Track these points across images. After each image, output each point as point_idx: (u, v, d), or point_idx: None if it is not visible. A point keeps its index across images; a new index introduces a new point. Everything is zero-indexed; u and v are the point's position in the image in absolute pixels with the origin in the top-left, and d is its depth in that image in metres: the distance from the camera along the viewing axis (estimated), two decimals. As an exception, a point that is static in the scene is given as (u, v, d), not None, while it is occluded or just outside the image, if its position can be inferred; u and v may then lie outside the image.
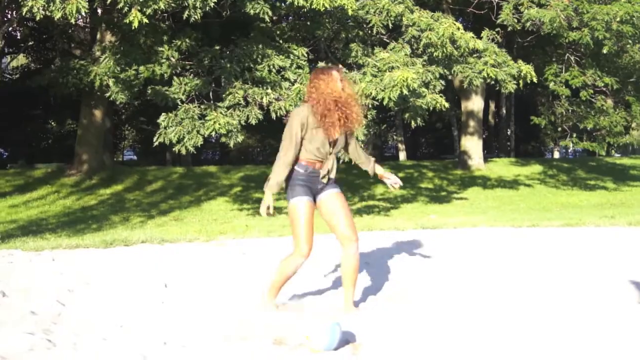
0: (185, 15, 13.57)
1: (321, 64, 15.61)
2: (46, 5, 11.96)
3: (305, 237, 5.82)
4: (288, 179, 5.90)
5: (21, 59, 38.62)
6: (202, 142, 14.92)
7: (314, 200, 5.93)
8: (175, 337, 5.22)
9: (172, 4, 13.15)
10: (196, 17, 13.45)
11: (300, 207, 5.83)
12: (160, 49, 15.35)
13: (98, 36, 22.15)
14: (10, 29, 27.09)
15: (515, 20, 18.13)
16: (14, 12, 23.68)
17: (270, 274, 6.23)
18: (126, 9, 12.71)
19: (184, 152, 14.82)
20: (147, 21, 12.79)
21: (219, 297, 6.60)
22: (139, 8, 12.51)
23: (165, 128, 14.75)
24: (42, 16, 12.17)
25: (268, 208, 5.88)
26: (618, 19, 17.08)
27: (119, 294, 6.61)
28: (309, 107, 5.84)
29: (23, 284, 6.79)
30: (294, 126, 5.81)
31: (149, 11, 12.60)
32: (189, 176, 25.33)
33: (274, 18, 15.92)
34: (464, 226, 12.03)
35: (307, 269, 7.54)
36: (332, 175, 5.92)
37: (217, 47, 15.67)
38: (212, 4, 13.38)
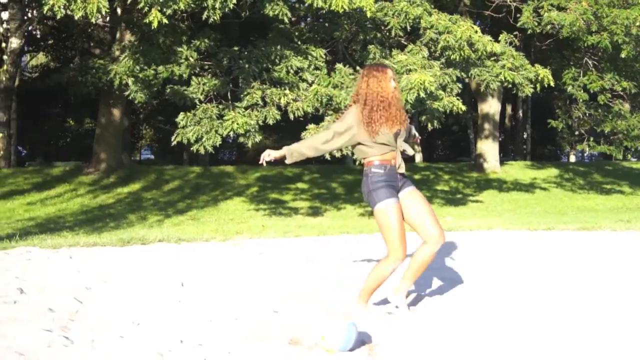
0: (204, 16, 13.62)
1: (339, 65, 15.65)
2: (67, 4, 12.05)
3: (400, 240, 5.67)
4: (366, 184, 5.82)
5: (41, 58, 38.84)
6: (220, 142, 14.97)
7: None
8: (192, 336, 5.26)
9: (192, 5, 13.20)
10: (215, 17, 13.50)
11: (390, 210, 5.67)
12: (179, 49, 15.41)
13: (117, 35, 22.25)
14: (30, 27, 27.29)
15: (535, 23, 18.10)
16: (34, 11, 23.89)
17: (363, 279, 6.09)
18: (146, 9, 12.78)
19: (202, 151, 14.87)
20: (166, 21, 12.85)
21: (235, 297, 6.63)
22: (159, 8, 12.58)
23: (183, 127, 14.81)
24: (62, 15, 12.25)
25: (269, 155, 5.84)
26: (638, 24, 17.03)
27: (136, 292, 6.65)
28: (357, 107, 5.78)
29: (40, 281, 6.85)
30: (344, 122, 5.79)
31: (168, 11, 12.67)
32: (205, 176, 25.39)
33: (293, 19, 15.95)
34: (479, 229, 12.03)
35: (323, 269, 7.59)
36: (402, 170, 5.79)
37: (236, 48, 15.72)
38: (231, 5, 13.43)
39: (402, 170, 5.79)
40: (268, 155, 5.85)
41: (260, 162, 5.92)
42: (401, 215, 5.72)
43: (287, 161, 5.91)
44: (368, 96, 5.73)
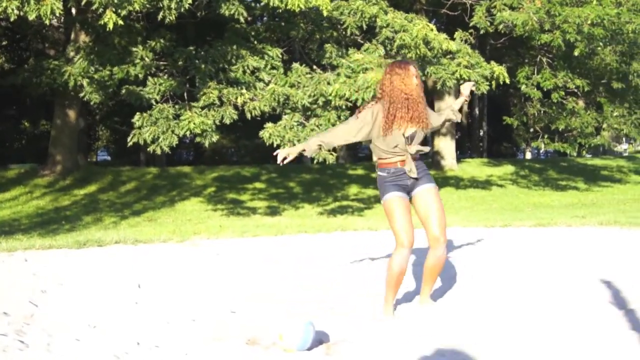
0: (160, 17, 13.56)
1: (295, 65, 15.66)
2: (20, 6, 11.94)
3: (403, 228, 5.70)
4: (377, 182, 5.91)
5: (-5, 59, 38.40)
6: (177, 142, 14.91)
7: (409, 196, 5.87)
8: (149, 338, 5.24)
9: (147, 5, 13.13)
10: (171, 18, 13.44)
11: (392, 202, 5.75)
12: (135, 49, 15.32)
13: (72, 36, 22.05)
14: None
15: (488, 23, 18.23)
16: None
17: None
18: (101, 10, 12.69)
19: (158, 152, 14.80)
20: (122, 23, 12.77)
21: (193, 298, 6.62)
22: (113, 9, 12.49)
23: (139, 128, 14.72)
24: (16, 17, 12.14)
25: (288, 155, 5.89)
26: (589, 22, 17.20)
27: (93, 295, 6.61)
28: (381, 104, 5.80)
29: (-4, 284, 6.78)
30: (360, 115, 5.82)
31: (123, 12, 12.58)
32: (163, 177, 25.25)
33: (249, 19, 15.92)
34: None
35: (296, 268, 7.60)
36: (414, 174, 5.81)
37: (192, 48, 15.66)
38: (187, 6, 13.37)
39: (414, 175, 5.81)
40: (287, 154, 5.88)
41: (279, 162, 5.95)
42: (405, 208, 5.77)
43: (307, 154, 6.01)
44: (393, 93, 5.76)
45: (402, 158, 5.79)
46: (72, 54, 19.61)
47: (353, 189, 23.06)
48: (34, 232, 12.56)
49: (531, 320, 5.57)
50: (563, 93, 22.15)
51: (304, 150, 5.93)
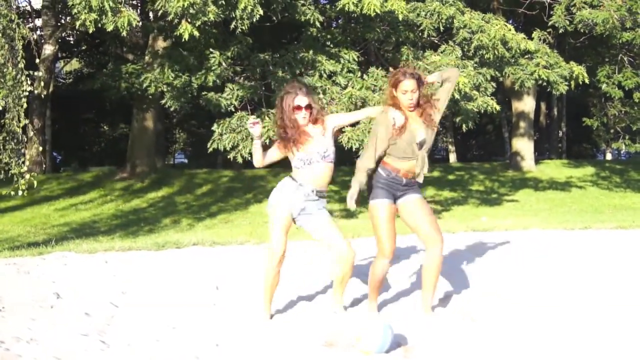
0: (232, 26, 13.65)
1: (372, 68, 15.59)
2: (98, 19, 12.17)
3: (386, 238, 5.81)
4: (371, 179, 5.92)
5: (74, 64, 39.14)
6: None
7: (395, 203, 5.91)
8: (228, 339, 5.25)
9: (221, 15, 13.22)
10: (244, 27, 13.51)
11: (379, 209, 5.84)
12: (212, 56, 15.43)
13: (150, 41, 22.35)
14: (63, 34, 27.51)
15: (567, 22, 17.93)
16: (67, 18, 24.06)
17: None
18: (176, 20, 12.84)
19: (239, 159, 14.82)
20: (197, 33, 12.89)
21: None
22: (188, 20, 12.63)
23: (220, 135, 14.79)
24: (94, 29, 12.39)
25: (354, 201, 5.88)
26: (673, 19, 16.84)
27: (171, 296, 6.66)
28: (391, 110, 5.83)
29: (77, 285, 6.88)
30: (378, 131, 5.82)
31: (198, 23, 12.70)
32: (238, 179, 25.43)
33: (324, 23, 15.91)
34: (515, 228, 11.92)
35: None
36: (421, 178, 5.89)
37: (268, 53, 15.70)
38: (257, 16, 13.41)
39: (420, 180, 5.89)
40: (354, 201, 5.88)
41: (352, 210, 6.15)
42: (391, 215, 5.84)
43: (362, 187, 5.94)
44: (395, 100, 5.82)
45: (409, 164, 5.84)
46: (150, 59, 19.86)
47: (429, 191, 22.90)
48: (113, 234, 12.75)
49: (610, 328, 5.45)
50: (645, 92, 21.68)
51: (360, 185, 5.90)
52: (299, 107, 5.87)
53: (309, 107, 5.90)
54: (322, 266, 8.50)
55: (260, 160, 6.09)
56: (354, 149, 14.35)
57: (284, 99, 5.94)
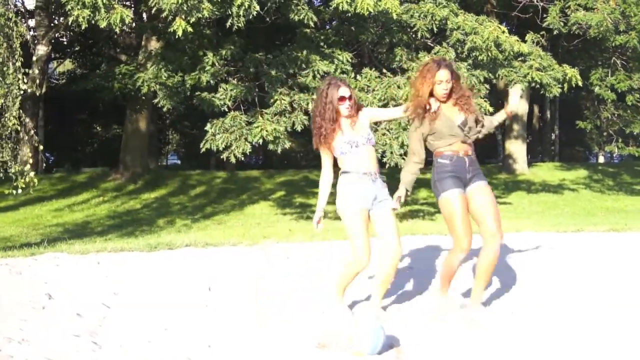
0: (228, 24, 13.63)
1: (365, 69, 15.59)
2: (91, 15, 12.15)
3: (464, 231, 5.75)
4: (433, 174, 5.93)
5: (67, 65, 39.07)
6: (250, 150, 14.94)
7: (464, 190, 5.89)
8: (220, 340, 5.24)
9: (216, 12, 13.20)
10: (240, 25, 13.50)
11: (453, 200, 5.79)
12: (206, 57, 15.42)
13: (143, 42, 22.34)
14: (56, 34, 27.46)
15: (562, 24, 17.95)
16: (60, 18, 24.05)
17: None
18: (170, 17, 12.82)
19: (233, 159, 14.81)
20: (191, 30, 12.87)
21: (263, 301, 6.61)
22: (183, 17, 12.60)
23: (213, 135, 14.78)
24: (87, 26, 12.36)
25: (400, 201, 5.91)
26: (666, 22, 16.85)
27: (164, 297, 6.65)
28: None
29: (69, 286, 6.86)
30: (411, 131, 5.96)
31: (192, 19, 12.68)
32: (232, 181, 25.44)
33: (318, 23, 15.90)
34: (508, 231, 11.86)
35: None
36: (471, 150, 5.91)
37: (262, 54, 15.70)
38: (254, 12, 13.41)
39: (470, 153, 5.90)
40: (400, 201, 5.92)
41: (395, 209, 5.98)
42: (465, 206, 5.78)
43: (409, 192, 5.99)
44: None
45: (462, 146, 5.87)
46: (143, 59, 19.85)
47: (422, 193, 22.90)
48: (106, 235, 12.73)
49: (600, 329, 5.46)
50: (638, 96, 21.69)
51: (406, 190, 5.96)
52: (342, 98, 5.89)
53: (351, 97, 5.93)
54: (316, 267, 8.50)
55: (328, 177, 6.16)
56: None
57: (328, 90, 5.94)
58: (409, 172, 5.94)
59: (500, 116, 6.23)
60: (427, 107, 5.77)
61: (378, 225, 5.91)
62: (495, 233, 5.77)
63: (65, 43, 33.98)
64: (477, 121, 5.92)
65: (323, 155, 6.08)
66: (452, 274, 5.97)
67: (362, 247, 5.77)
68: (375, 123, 6.19)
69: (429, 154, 5.96)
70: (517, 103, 6.17)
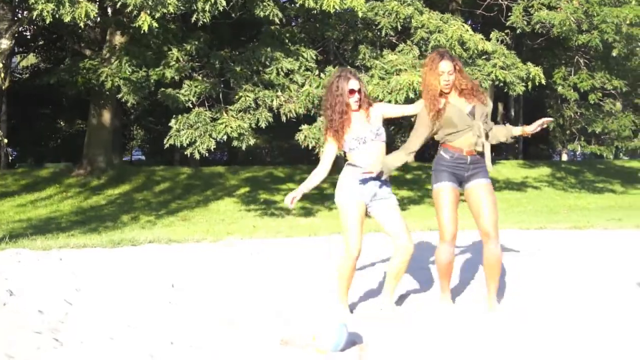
0: (194, 19, 13.60)
1: (329, 67, 15.62)
2: (56, 9, 12.06)
3: (446, 222, 5.85)
4: (433, 164, 6.02)
5: (31, 59, 38.67)
6: (214, 146, 14.93)
7: (461, 187, 5.97)
8: (183, 337, 5.24)
9: (182, 7, 13.17)
10: (205, 20, 13.47)
11: (442, 193, 5.89)
12: (170, 52, 15.37)
13: (108, 37, 22.18)
14: (20, 28, 27.18)
15: (525, 23, 18.10)
16: (24, 12, 23.80)
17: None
18: (135, 12, 12.77)
19: (197, 156, 14.80)
20: (156, 25, 12.82)
21: (226, 297, 6.61)
22: (148, 12, 12.55)
23: (178, 131, 14.74)
24: (51, 20, 12.26)
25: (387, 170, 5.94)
26: (628, 22, 17.02)
27: (127, 294, 6.62)
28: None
29: (30, 283, 6.81)
30: (418, 125, 5.97)
31: (158, 15, 12.64)
32: (196, 176, 25.34)
33: (284, 20, 15.91)
34: (471, 228, 11.95)
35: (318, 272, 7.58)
36: (481, 148, 5.87)
37: (227, 50, 15.68)
38: (220, 8, 13.38)
39: (480, 148, 5.88)
40: (386, 173, 5.95)
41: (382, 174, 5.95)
42: (454, 200, 5.90)
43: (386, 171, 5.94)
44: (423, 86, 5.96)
45: (466, 140, 5.85)
46: (107, 54, 19.73)
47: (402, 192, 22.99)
48: (70, 231, 12.64)
49: (563, 324, 5.51)
50: (600, 94, 21.94)
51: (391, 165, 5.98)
52: (352, 91, 5.89)
53: (360, 91, 5.92)
54: (280, 264, 8.51)
55: (322, 171, 6.06)
56: (310, 147, 14.38)
57: (338, 82, 5.92)
58: (394, 157, 5.95)
59: (517, 131, 6.20)
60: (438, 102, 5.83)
61: (385, 224, 5.93)
62: (488, 232, 5.88)
63: (28, 37, 33.61)
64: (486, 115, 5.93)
65: (328, 148, 6.06)
66: (444, 270, 6.01)
67: (352, 240, 5.80)
68: (388, 120, 6.14)
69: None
70: (536, 129, 6.11)
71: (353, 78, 5.93)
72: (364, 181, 5.84)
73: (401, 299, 6.60)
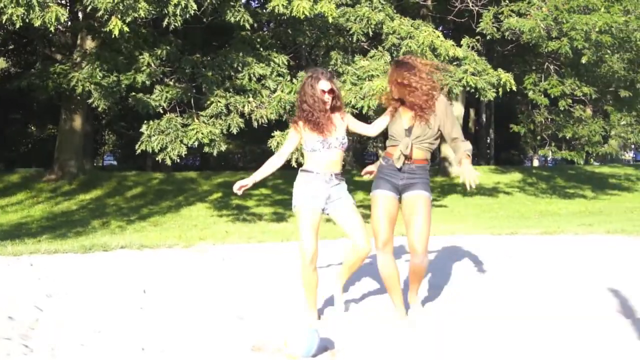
0: (165, 23, 13.58)
1: (301, 73, 15.64)
2: (25, 14, 12.00)
3: (376, 229, 5.85)
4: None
5: (1, 63, 38.41)
6: (186, 152, 14.92)
7: (400, 196, 5.94)
8: (154, 343, 5.23)
9: (153, 12, 13.15)
10: (176, 24, 13.46)
11: (373, 200, 5.97)
12: (141, 57, 15.33)
13: (79, 41, 22.09)
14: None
15: (495, 29, 18.21)
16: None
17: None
18: (106, 16, 12.73)
19: (168, 162, 14.78)
20: (127, 30, 12.79)
21: (198, 303, 6.60)
22: (119, 16, 12.52)
23: (149, 137, 14.71)
24: (21, 25, 12.20)
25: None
26: (597, 29, 17.14)
27: (98, 300, 6.60)
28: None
29: (0, 289, 6.77)
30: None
31: (129, 19, 12.60)
32: (169, 182, 25.29)
33: (255, 25, 15.91)
34: (443, 234, 12.04)
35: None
36: (398, 163, 5.84)
37: (198, 55, 15.66)
38: (192, 12, 13.38)
39: (398, 165, 5.84)
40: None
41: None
42: (385, 207, 5.88)
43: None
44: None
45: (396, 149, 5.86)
46: (78, 59, 19.65)
47: (359, 195, 23.00)
48: (40, 237, 12.58)
49: (532, 329, 5.55)
50: (570, 101, 22.08)
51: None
52: (322, 91, 5.88)
53: (331, 91, 5.92)
54: (253, 269, 8.51)
55: (278, 159, 6.15)
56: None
57: (311, 81, 5.92)
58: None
59: (459, 156, 6.19)
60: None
61: (342, 224, 5.97)
62: (414, 249, 5.85)
63: (-2, 41, 33.45)
64: (431, 130, 5.91)
65: (289, 138, 6.08)
66: (386, 281, 5.96)
67: (305, 245, 5.80)
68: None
69: None
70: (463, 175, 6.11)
71: (323, 78, 5.92)
72: (317, 184, 5.87)
73: (376, 306, 6.61)
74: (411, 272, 5.97)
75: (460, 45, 16.65)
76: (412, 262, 5.90)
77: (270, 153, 17.69)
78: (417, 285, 6.10)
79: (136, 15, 12.65)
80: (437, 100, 5.92)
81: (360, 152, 43.23)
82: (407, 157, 5.82)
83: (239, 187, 5.91)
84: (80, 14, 20.60)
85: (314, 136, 5.88)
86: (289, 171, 5.96)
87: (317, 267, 5.91)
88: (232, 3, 14.79)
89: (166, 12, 13.24)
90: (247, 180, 5.97)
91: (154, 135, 14.70)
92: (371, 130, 6.21)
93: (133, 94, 15.20)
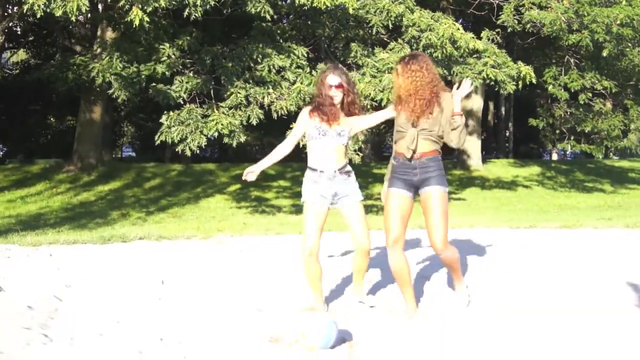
0: (185, 13, 13.58)
1: (321, 65, 15.62)
2: (47, 3, 12.01)
3: (387, 226, 5.82)
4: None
5: (21, 55, 38.57)
6: (205, 143, 14.93)
7: (416, 192, 5.92)
8: (172, 334, 5.23)
9: (173, 2, 13.15)
10: (197, 15, 13.45)
11: (386, 197, 5.93)
12: (162, 47, 15.34)
13: (99, 32, 22.14)
14: (10, 24, 27.11)
15: (516, 22, 18.11)
16: (15, 7, 23.74)
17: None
18: (127, 6, 12.73)
19: (188, 152, 14.78)
20: (148, 19, 12.79)
21: (216, 294, 6.60)
22: (139, 6, 12.52)
23: (169, 127, 14.72)
24: (42, 14, 12.20)
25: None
26: (618, 22, 17.01)
27: (116, 290, 6.62)
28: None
29: (20, 279, 6.80)
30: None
31: (149, 9, 12.61)
32: (187, 173, 25.33)
33: (275, 17, 15.89)
34: (461, 227, 11.99)
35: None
36: (411, 152, 5.79)
37: (218, 47, 15.66)
38: (212, 3, 13.37)
39: (409, 155, 5.79)
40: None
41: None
42: (397, 205, 5.83)
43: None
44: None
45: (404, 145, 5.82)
46: (98, 50, 19.69)
47: (377, 188, 22.97)
48: (59, 227, 12.62)
49: (551, 323, 5.52)
50: (590, 94, 21.95)
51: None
52: (329, 86, 5.93)
53: (340, 86, 5.96)
54: (270, 261, 8.51)
55: (285, 147, 6.26)
56: (300, 145, 14.40)
57: (322, 75, 6.05)
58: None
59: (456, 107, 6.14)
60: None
61: (346, 221, 6.04)
62: (435, 246, 5.82)
63: (19, 32, 33.53)
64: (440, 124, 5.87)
65: (297, 124, 6.16)
66: (398, 278, 5.91)
67: (305, 240, 5.88)
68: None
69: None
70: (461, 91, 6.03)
71: (332, 74, 5.98)
72: (322, 182, 5.91)
73: (394, 299, 6.59)
74: (445, 265, 6.11)
75: (480, 38, 16.57)
76: (439, 256, 5.94)
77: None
78: (456, 273, 6.18)
79: (157, 5, 12.66)
80: (443, 94, 5.86)
81: (378, 145, 43.16)
82: (415, 150, 5.78)
83: (247, 173, 6.01)
84: (100, 5, 20.63)
85: (314, 122, 5.96)
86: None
87: (320, 259, 5.99)
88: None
89: (187, 2, 13.23)
90: (255, 166, 6.10)
91: (173, 126, 14.71)
92: (371, 120, 6.33)
93: (153, 84, 15.21)
